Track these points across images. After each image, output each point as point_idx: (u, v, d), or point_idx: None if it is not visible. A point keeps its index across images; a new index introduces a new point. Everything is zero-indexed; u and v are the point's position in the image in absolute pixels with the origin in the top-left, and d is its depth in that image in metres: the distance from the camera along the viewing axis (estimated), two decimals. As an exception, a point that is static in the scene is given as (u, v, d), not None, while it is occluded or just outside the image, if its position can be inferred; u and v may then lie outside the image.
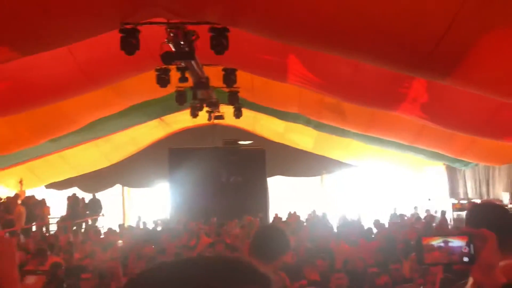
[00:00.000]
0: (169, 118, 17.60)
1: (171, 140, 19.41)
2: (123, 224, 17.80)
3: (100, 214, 19.44)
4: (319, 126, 14.91)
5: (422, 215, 15.66)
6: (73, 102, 11.47)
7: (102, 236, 13.86)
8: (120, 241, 12.87)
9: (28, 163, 15.79)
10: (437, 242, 1.70)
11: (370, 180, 21.05)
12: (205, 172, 17.25)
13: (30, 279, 7.53)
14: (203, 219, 14.73)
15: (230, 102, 12.72)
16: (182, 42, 7.65)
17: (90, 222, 18.69)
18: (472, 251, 1.65)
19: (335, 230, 13.06)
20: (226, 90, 11.87)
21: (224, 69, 10.41)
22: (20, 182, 16.91)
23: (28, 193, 18.05)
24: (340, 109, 12.07)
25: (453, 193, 17.15)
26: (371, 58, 6.72)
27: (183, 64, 9.34)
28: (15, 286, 1.54)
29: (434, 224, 13.38)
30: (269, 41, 7.82)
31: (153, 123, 17.66)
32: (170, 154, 18.11)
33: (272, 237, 3.30)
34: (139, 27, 7.35)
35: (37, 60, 8.10)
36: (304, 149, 19.27)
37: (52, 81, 9.51)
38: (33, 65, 8.59)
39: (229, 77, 10.44)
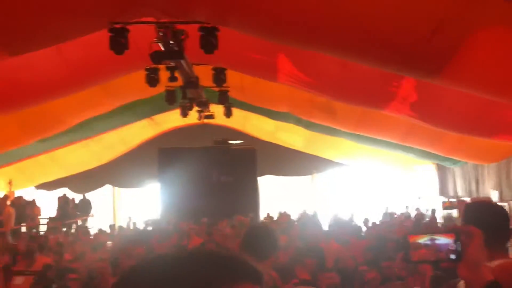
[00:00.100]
0: (159, 117, 17.52)
1: (161, 140, 19.32)
2: (114, 224, 17.73)
3: (90, 214, 19.35)
4: (309, 126, 14.91)
5: (413, 213, 15.72)
6: (62, 102, 11.39)
7: (91, 237, 13.80)
8: (109, 242, 12.81)
9: (18, 163, 15.65)
10: (423, 240, 1.71)
11: (361, 179, 21.09)
12: (195, 172, 17.18)
13: (19, 280, 7.48)
14: (194, 219, 14.68)
15: (220, 102, 12.67)
16: (171, 42, 7.62)
17: (80, 222, 18.61)
18: (459, 249, 1.65)
19: (326, 229, 13.07)
20: (216, 89, 11.82)
21: (214, 69, 10.38)
22: (10, 183, 16.76)
23: (18, 194, 17.91)
24: (331, 108, 12.07)
25: (443, 191, 17.21)
26: (359, 58, 6.74)
27: (172, 64, 9.30)
28: None
29: (423, 222, 13.44)
30: (259, 40, 7.82)
31: (143, 123, 17.56)
32: (160, 154, 18.05)
33: (262, 236, 3.29)
34: (128, 27, 7.32)
35: (26, 60, 8.04)
36: (295, 148, 19.25)
37: (40, 81, 9.44)
38: (21, 65, 8.52)
39: (219, 76, 10.42)
